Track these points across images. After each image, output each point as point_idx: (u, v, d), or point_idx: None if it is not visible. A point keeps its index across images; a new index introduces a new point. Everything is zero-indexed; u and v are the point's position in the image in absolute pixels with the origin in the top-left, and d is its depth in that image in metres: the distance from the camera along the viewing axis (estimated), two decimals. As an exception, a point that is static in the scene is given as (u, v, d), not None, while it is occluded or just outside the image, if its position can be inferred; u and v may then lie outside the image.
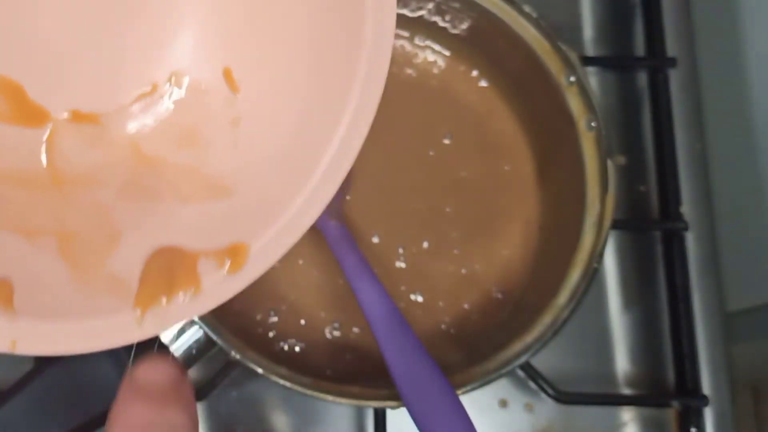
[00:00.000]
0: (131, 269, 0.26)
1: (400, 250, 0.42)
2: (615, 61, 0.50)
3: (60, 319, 0.24)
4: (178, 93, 0.29)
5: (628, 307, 0.46)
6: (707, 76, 0.49)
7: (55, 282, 0.25)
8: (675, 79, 0.47)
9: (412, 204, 0.43)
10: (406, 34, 0.44)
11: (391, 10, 0.26)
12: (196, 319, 0.36)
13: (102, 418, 0.37)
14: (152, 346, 0.37)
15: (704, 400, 0.43)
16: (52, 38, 0.27)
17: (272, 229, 0.26)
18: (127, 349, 0.36)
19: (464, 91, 0.44)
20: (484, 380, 0.37)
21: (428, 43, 0.44)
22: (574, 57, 0.40)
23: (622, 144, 0.48)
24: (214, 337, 0.36)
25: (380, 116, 0.44)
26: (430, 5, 0.42)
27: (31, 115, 0.27)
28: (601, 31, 0.50)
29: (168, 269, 0.26)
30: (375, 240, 0.42)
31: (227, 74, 0.29)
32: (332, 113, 0.26)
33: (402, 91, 0.44)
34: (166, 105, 0.28)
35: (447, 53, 0.44)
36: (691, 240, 0.46)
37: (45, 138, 0.26)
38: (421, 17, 0.43)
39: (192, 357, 0.38)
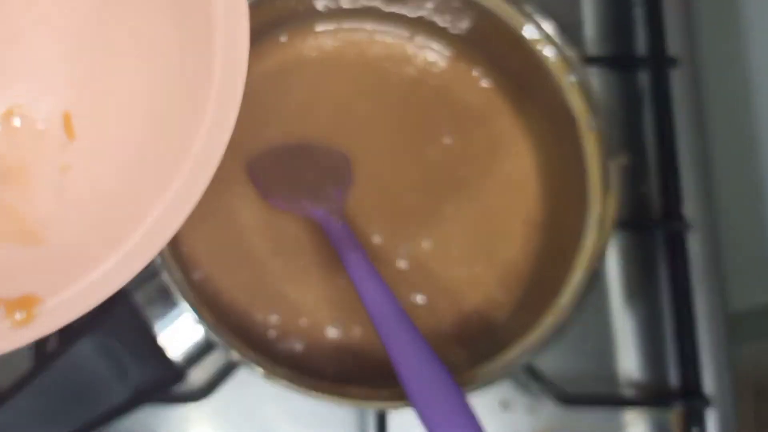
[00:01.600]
0: None
1: (401, 250, 0.42)
2: (616, 60, 0.50)
3: None
4: (12, 127, 0.28)
5: (630, 308, 0.46)
6: (709, 75, 0.48)
7: None
8: (677, 78, 0.47)
9: (412, 203, 0.43)
10: (406, 34, 0.44)
11: (242, 66, 0.25)
12: (197, 319, 0.36)
13: (100, 419, 0.37)
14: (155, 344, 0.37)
15: (707, 401, 0.43)
16: None
17: (73, 288, 0.25)
18: (126, 349, 0.36)
19: (465, 91, 0.44)
20: (485, 381, 0.37)
21: (428, 43, 0.44)
22: (575, 56, 0.40)
23: (623, 144, 0.48)
24: (214, 337, 0.36)
25: (381, 116, 0.44)
26: (430, 5, 0.42)
27: None
28: (603, 31, 0.50)
29: None
30: (376, 240, 0.42)
31: (66, 119, 0.28)
32: (164, 178, 0.26)
33: (402, 91, 0.44)
34: None
35: (447, 53, 0.44)
36: (693, 240, 0.45)
37: None
38: (421, 18, 0.43)
39: (192, 358, 0.38)
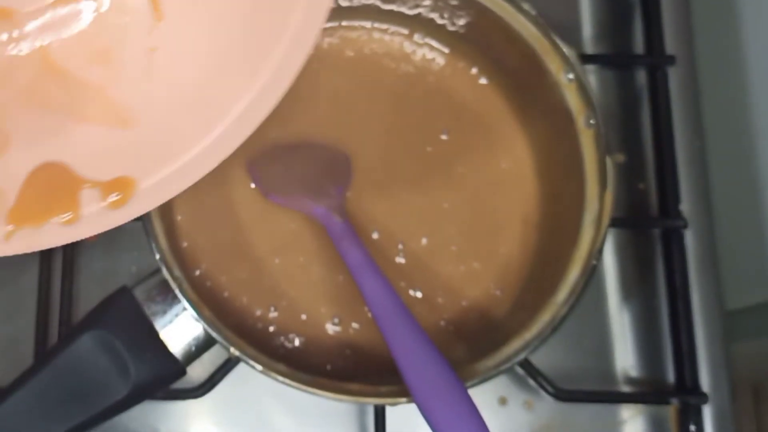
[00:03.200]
0: (13, 180, 0.25)
1: (400, 246, 0.42)
2: (614, 58, 0.50)
3: None
4: (100, 7, 0.27)
5: (627, 305, 0.46)
6: (706, 74, 0.49)
7: None
8: (674, 77, 0.47)
9: (410, 200, 0.43)
10: (404, 31, 0.44)
11: None
12: (195, 316, 0.36)
13: (101, 415, 0.37)
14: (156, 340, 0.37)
15: (703, 398, 0.43)
16: None
17: (166, 170, 0.26)
18: (127, 345, 0.37)
19: (463, 88, 0.44)
20: (483, 377, 0.37)
21: (427, 40, 0.44)
22: (572, 54, 0.40)
23: (621, 142, 0.48)
24: (213, 334, 0.36)
25: (379, 113, 0.44)
26: (427, 2, 0.42)
27: None
28: (601, 29, 0.50)
29: (50, 189, 0.25)
30: (374, 236, 0.42)
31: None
32: (255, 61, 0.26)
33: (400, 88, 0.44)
34: (85, 17, 0.27)
35: (446, 50, 0.44)
36: (690, 237, 0.46)
37: None
38: (419, 14, 0.43)
39: (193, 354, 0.38)
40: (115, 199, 0.25)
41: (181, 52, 0.27)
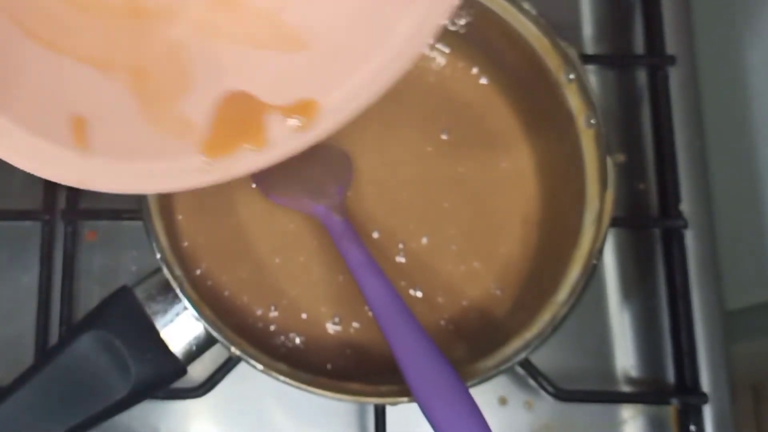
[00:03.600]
0: (201, 113, 0.25)
1: (400, 246, 0.42)
2: (614, 58, 0.50)
3: (130, 158, 0.23)
4: None
5: (627, 305, 0.46)
6: (706, 74, 0.49)
7: (127, 120, 0.24)
8: (674, 77, 0.47)
9: (411, 199, 0.43)
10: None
11: None
12: (196, 315, 0.36)
13: (102, 414, 0.37)
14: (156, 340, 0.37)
15: (704, 398, 0.43)
16: None
17: (345, 87, 0.25)
18: (127, 344, 0.37)
19: (463, 87, 0.44)
20: (483, 377, 0.37)
21: (428, 40, 0.44)
22: (573, 54, 0.40)
23: (621, 141, 0.48)
24: (214, 333, 0.36)
25: (379, 112, 0.44)
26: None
27: None
28: (601, 29, 0.50)
29: (237, 118, 0.25)
30: (375, 235, 0.42)
31: None
32: None
33: (400, 88, 0.44)
34: None
35: (446, 50, 0.44)
36: (690, 237, 0.46)
37: None
38: (420, 15, 0.43)
39: (192, 353, 0.38)
40: (301, 121, 0.25)
41: None
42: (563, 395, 0.42)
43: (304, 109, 0.25)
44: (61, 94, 0.24)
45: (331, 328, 0.41)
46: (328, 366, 0.40)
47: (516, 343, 0.37)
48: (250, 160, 0.25)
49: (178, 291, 0.36)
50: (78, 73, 0.24)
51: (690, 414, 0.44)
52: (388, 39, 0.25)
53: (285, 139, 0.25)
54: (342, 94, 0.25)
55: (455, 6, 0.25)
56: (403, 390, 0.35)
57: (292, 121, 0.25)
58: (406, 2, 0.25)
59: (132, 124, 0.25)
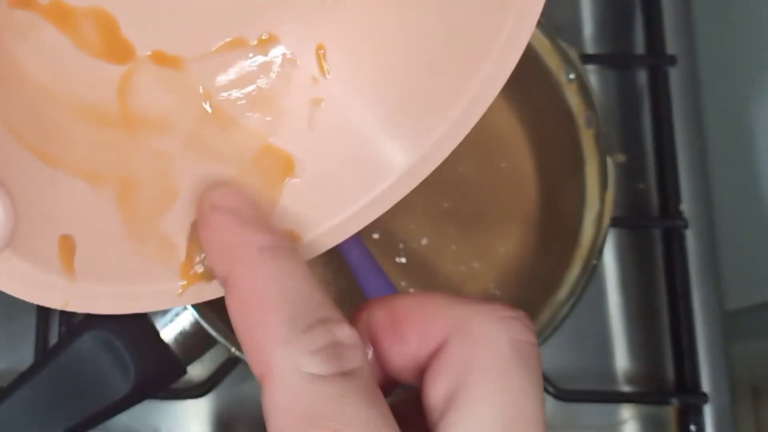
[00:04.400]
0: (181, 233, 0.25)
1: (400, 246, 0.42)
2: (615, 58, 0.50)
3: (112, 281, 0.24)
4: (265, 55, 0.27)
5: (627, 305, 0.46)
6: (707, 73, 0.49)
7: (112, 240, 0.24)
8: (675, 77, 0.47)
9: (411, 200, 0.42)
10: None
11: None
12: (196, 315, 0.36)
13: (102, 414, 0.37)
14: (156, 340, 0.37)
15: (704, 398, 0.43)
16: None
17: (327, 224, 0.25)
18: (127, 344, 0.36)
19: (464, 88, 0.44)
20: (483, 377, 0.37)
21: (428, 40, 0.44)
22: (573, 54, 0.40)
23: (621, 141, 0.48)
24: (214, 333, 0.36)
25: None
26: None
27: (119, 50, 0.25)
28: (601, 29, 0.50)
29: None
30: (375, 236, 0.42)
31: (319, 52, 0.27)
32: (432, 116, 0.25)
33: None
34: (249, 64, 0.27)
35: (447, 50, 0.44)
36: (690, 238, 0.46)
37: (123, 74, 0.25)
38: (420, 14, 0.43)
39: (192, 353, 0.38)
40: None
41: (348, 106, 0.27)
42: (563, 395, 0.42)
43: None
44: (52, 211, 0.23)
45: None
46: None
47: (516, 343, 0.37)
48: (221, 287, 0.25)
49: (178, 291, 0.36)
50: (70, 187, 0.24)
51: (690, 414, 0.44)
52: (369, 191, 0.26)
53: None
54: (324, 229, 0.26)
55: (424, 176, 0.26)
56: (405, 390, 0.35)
57: None
58: (390, 166, 0.26)
59: (117, 244, 0.24)
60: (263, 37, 0.27)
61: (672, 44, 0.48)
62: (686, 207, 0.46)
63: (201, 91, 0.26)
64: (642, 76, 0.49)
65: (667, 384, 0.45)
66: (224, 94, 0.27)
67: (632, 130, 0.48)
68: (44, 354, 0.41)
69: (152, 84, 0.26)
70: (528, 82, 0.42)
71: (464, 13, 0.24)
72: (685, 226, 0.45)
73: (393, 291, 0.36)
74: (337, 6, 0.26)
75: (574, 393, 0.43)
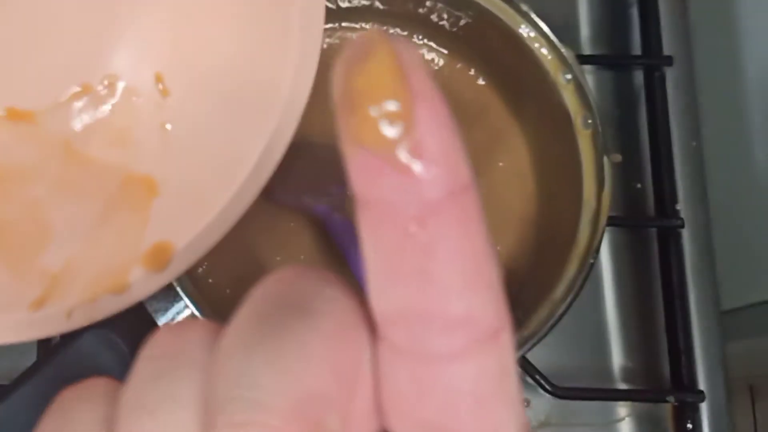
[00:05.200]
0: (61, 265, 0.26)
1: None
2: (611, 59, 0.50)
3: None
4: (111, 95, 0.29)
5: (624, 303, 0.46)
6: (703, 74, 0.49)
7: None
8: (671, 77, 0.48)
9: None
10: (403, 32, 0.45)
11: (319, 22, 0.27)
12: (197, 314, 0.37)
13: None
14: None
15: (700, 396, 0.43)
16: None
17: (197, 227, 0.27)
18: (129, 343, 0.37)
19: (461, 88, 0.44)
20: (481, 374, 0.37)
21: (426, 41, 0.45)
22: (570, 55, 0.40)
23: (618, 142, 0.48)
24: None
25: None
26: (426, 3, 0.43)
27: None
28: (598, 30, 0.50)
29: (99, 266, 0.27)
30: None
31: (158, 79, 0.29)
32: (259, 114, 0.27)
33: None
34: (98, 106, 0.29)
35: (444, 51, 0.45)
36: (686, 237, 0.46)
37: None
38: (417, 15, 0.43)
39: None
40: (156, 263, 0.26)
41: (192, 120, 0.29)
42: (560, 393, 0.42)
43: (160, 251, 0.27)
44: None
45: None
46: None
47: (513, 341, 0.38)
48: (110, 304, 0.26)
49: (179, 290, 0.37)
50: None
51: (686, 411, 0.44)
52: (230, 187, 0.27)
53: (143, 281, 0.27)
54: (194, 234, 0.27)
55: (275, 164, 0.27)
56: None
57: (149, 264, 0.27)
58: (242, 159, 0.27)
59: None
60: (106, 81, 0.29)
61: (668, 45, 0.48)
62: (682, 206, 0.46)
63: (58, 138, 0.28)
64: (638, 77, 0.49)
65: (664, 382, 0.45)
66: (81, 138, 0.28)
67: (629, 130, 0.48)
68: (46, 352, 0.41)
69: (11, 139, 0.27)
70: (525, 83, 0.42)
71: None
72: (681, 226, 0.45)
73: None
74: (171, 40, 0.29)
75: (570, 390, 0.43)
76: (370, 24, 0.45)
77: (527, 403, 0.44)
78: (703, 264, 0.46)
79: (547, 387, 0.42)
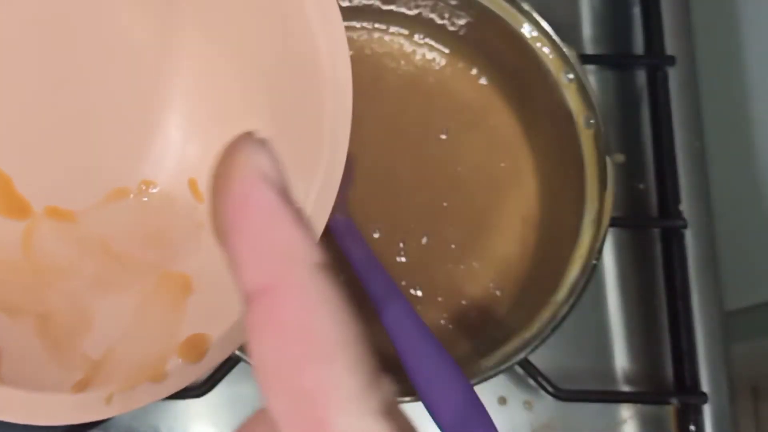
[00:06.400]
0: (102, 352, 0.27)
1: (401, 245, 0.42)
2: (614, 59, 0.50)
3: (38, 390, 0.25)
4: (147, 199, 0.31)
5: (626, 305, 0.46)
6: (706, 74, 0.49)
7: (35, 357, 0.27)
8: (674, 77, 0.47)
9: (411, 199, 0.43)
10: (405, 31, 0.45)
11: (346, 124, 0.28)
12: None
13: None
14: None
15: (703, 398, 0.43)
16: (44, 137, 0.29)
17: (232, 318, 0.27)
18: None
19: (463, 88, 0.44)
20: (482, 377, 0.37)
21: (427, 40, 0.45)
22: (572, 55, 0.40)
23: (620, 142, 0.48)
24: (214, 333, 0.36)
25: (380, 113, 0.44)
26: (428, 2, 0.42)
27: (16, 207, 0.28)
28: (600, 30, 0.50)
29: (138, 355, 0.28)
30: (375, 235, 0.42)
31: (192, 185, 0.30)
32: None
33: (401, 88, 0.44)
34: (135, 208, 0.31)
35: (446, 50, 0.44)
36: (689, 238, 0.46)
37: (24, 230, 0.28)
38: (419, 15, 0.43)
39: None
40: (193, 354, 0.28)
41: None
42: (563, 395, 0.42)
43: (196, 343, 0.28)
44: None
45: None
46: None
47: (515, 343, 0.37)
48: (147, 392, 0.27)
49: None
50: None
51: (689, 413, 0.44)
52: None
53: (180, 372, 0.28)
54: (229, 326, 0.28)
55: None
56: (407, 389, 0.35)
57: (186, 355, 0.28)
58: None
59: (40, 361, 0.27)
60: (143, 186, 0.31)
61: (671, 45, 0.48)
62: (685, 207, 0.46)
63: (96, 238, 0.30)
64: (641, 77, 0.49)
65: (667, 384, 0.45)
66: (118, 238, 0.30)
67: (631, 130, 0.48)
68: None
69: (52, 236, 0.29)
70: (527, 83, 0.42)
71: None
72: (684, 226, 0.45)
73: (395, 289, 0.36)
74: (203, 149, 0.30)
75: (573, 393, 0.43)
76: (372, 23, 0.45)
77: (529, 405, 0.44)
78: (706, 265, 0.46)
79: (549, 389, 0.42)
